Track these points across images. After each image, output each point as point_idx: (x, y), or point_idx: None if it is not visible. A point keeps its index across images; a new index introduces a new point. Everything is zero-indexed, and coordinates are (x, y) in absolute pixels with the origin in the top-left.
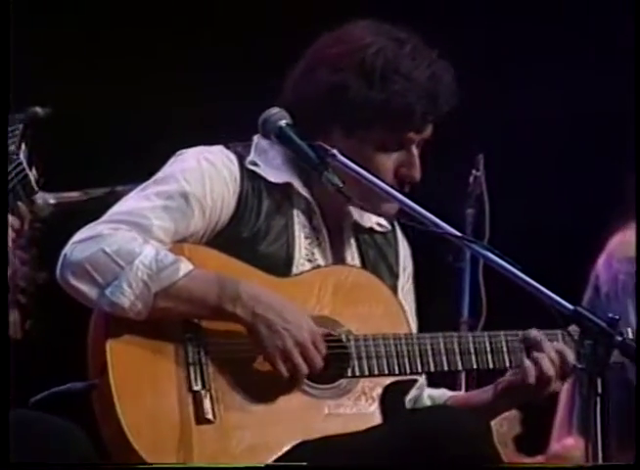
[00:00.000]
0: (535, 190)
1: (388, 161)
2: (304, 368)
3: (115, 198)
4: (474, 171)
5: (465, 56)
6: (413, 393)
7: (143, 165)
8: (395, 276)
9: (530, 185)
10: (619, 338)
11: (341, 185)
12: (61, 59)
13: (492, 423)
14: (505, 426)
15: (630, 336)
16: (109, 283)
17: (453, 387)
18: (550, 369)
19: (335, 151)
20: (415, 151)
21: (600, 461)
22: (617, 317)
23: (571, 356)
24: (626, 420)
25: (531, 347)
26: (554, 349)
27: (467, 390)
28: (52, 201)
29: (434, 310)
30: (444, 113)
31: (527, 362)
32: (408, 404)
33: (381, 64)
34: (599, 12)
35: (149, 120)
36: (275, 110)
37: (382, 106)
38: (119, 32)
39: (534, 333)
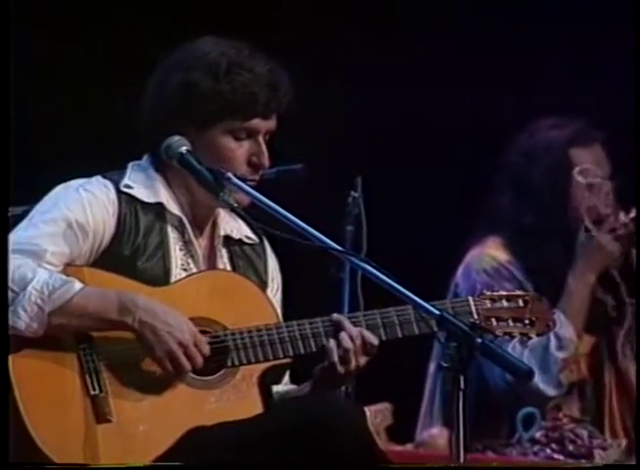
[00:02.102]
0: (406, 208)
1: (241, 150)
2: (187, 365)
3: None
4: (352, 192)
5: (337, 79)
6: (283, 388)
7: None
8: (264, 284)
9: (402, 203)
10: (480, 340)
11: (235, 205)
12: None
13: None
14: (378, 418)
15: None
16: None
17: None
18: (349, 344)
19: (229, 174)
20: (262, 140)
21: (462, 448)
22: (477, 322)
23: (371, 335)
24: (480, 412)
25: (336, 328)
26: (355, 328)
27: None
28: None
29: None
30: (285, 102)
31: (331, 342)
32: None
33: (225, 61)
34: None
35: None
36: (177, 137)
37: (229, 96)
38: None
39: (335, 316)
